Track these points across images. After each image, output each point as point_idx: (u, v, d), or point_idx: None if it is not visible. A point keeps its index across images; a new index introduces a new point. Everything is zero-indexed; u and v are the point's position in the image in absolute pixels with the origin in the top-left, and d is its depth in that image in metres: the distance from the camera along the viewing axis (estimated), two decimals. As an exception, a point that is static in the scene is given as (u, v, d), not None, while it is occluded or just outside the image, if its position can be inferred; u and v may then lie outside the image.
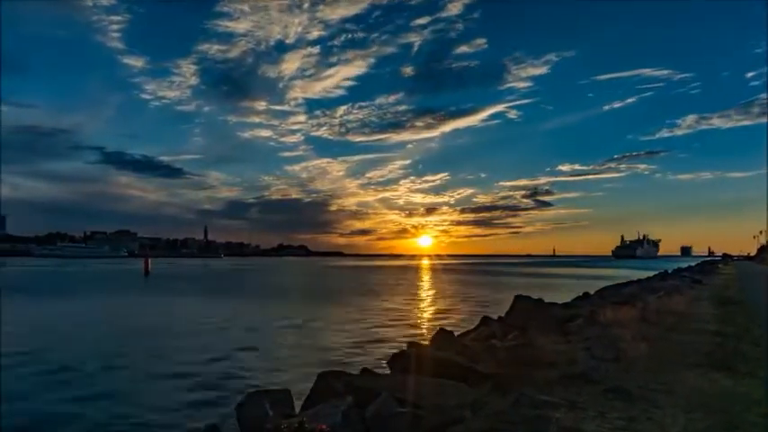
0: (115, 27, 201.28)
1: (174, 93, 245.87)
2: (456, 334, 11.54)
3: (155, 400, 10.75)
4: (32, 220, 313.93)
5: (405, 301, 33.55)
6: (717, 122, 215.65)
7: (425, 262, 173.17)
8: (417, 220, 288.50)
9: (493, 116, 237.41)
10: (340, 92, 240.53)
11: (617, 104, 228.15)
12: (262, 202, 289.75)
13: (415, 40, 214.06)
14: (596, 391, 5.76)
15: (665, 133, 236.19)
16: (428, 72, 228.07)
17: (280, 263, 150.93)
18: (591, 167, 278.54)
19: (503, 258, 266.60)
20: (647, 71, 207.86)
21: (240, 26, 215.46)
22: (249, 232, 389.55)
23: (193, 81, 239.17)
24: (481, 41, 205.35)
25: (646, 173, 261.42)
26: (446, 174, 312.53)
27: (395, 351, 9.43)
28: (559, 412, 4.78)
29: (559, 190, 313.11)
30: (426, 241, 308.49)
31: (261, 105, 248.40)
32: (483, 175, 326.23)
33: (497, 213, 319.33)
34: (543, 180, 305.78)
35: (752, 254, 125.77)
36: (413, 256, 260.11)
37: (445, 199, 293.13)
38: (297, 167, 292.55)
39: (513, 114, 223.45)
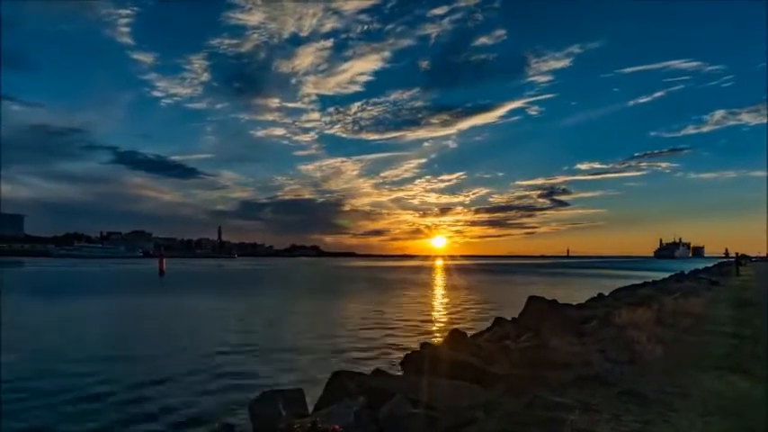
0: (124, 21, 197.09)
1: (185, 90, 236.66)
2: (469, 335, 11.52)
3: (168, 398, 10.85)
4: (49, 221, 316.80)
5: (417, 302, 33.50)
6: (745, 118, 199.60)
7: (439, 262, 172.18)
8: (431, 221, 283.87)
9: (512, 112, 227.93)
10: (355, 88, 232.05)
11: (643, 99, 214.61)
12: (275, 202, 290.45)
13: (433, 31, 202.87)
14: (611, 394, 5.72)
15: (690, 130, 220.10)
16: (445, 65, 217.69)
17: (293, 263, 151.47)
18: (610, 166, 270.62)
19: (516, 259, 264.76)
20: (675, 63, 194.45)
21: (252, 18, 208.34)
22: (263, 233, 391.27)
23: (205, 78, 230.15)
24: (501, 33, 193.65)
25: (667, 171, 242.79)
26: (462, 173, 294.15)
27: (407, 352, 9.44)
28: (573, 414, 4.75)
29: (577, 189, 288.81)
30: (440, 242, 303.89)
31: (274, 102, 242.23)
32: (500, 174, 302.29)
33: (512, 214, 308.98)
34: (561, 179, 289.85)
35: None
36: (426, 257, 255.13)
37: (460, 199, 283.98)
38: (310, 167, 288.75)
39: (532, 111, 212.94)
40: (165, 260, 74.13)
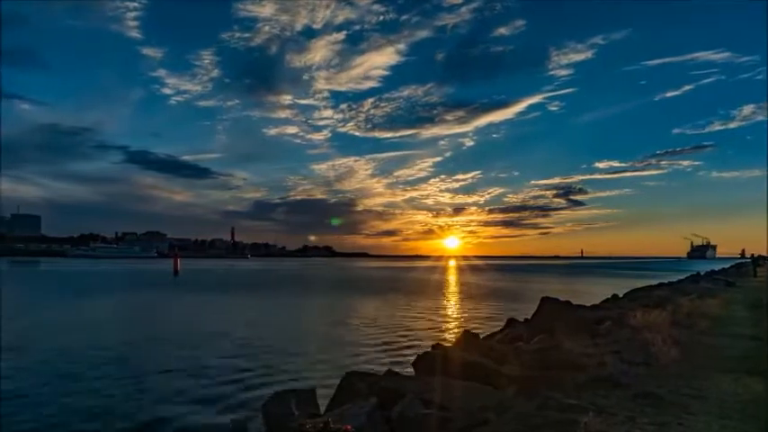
0: (132, 15, 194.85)
1: (195, 87, 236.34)
2: (481, 336, 11.47)
3: (182, 396, 10.95)
4: (65, 221, 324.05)
5: (429, 302, 33.44)
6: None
7: (452, 263, 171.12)
8: (444, 221, 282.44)
9: (530, 108, 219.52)
10: (368, 83, 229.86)
11: (671, 93, 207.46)
12: (287, 202, 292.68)
13: (450, 21, 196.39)
14: (626, 396, 5.65)
15: (716, 126, 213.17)
16: (462, 58, 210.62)
17: (306, 264, 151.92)
18: (629, 164, 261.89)
19: (529, 260, 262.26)
20: (704, 55, 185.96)
21: (264, 11, 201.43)
22: (275, 233, 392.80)
23: (215, 74, 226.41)
24: (520, 23, 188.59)
25: (688, 170, 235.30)
26: (478, 171, 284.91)
27: (419, 352, 9.43)
28: (587, 416, 4.70)
29: (594, 189, 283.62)
30: (453, 242, 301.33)
31: (286, 99, 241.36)
32: (516, 174, 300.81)
33: (526, 214, 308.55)
34: (578, 178, 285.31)
35: None
36: (439, 258, 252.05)
37: (474, 199, 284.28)
38: (323, 166, 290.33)
39: (551, 107, 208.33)
40: (179, 260, 74.84)
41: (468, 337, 10.35)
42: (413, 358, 8.87)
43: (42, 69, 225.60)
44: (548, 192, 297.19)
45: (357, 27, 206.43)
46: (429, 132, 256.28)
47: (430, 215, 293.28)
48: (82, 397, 10.96)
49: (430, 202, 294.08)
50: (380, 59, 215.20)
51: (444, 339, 17.51)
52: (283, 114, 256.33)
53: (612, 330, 10.43)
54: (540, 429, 4.47)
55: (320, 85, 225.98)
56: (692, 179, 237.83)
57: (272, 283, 58.06)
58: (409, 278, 69.04)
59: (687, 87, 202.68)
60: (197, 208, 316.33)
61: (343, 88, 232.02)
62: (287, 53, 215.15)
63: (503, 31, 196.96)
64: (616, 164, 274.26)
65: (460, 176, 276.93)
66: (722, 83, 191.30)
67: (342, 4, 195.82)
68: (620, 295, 22.35)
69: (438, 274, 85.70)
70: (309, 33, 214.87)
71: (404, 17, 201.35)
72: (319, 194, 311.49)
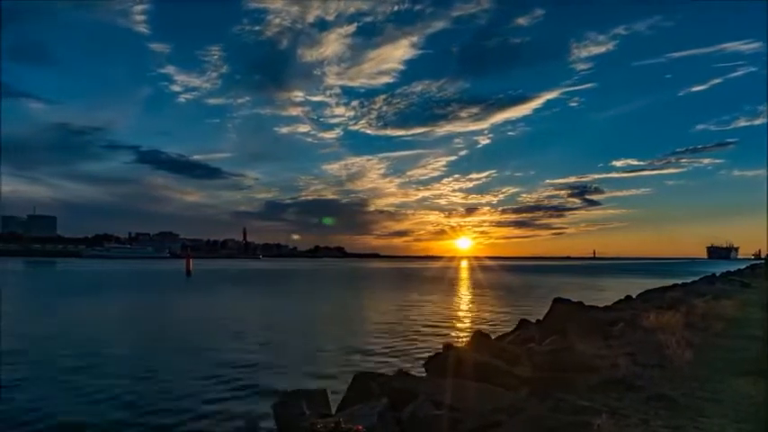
0: (139, 8, 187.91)
1: (204, 83, 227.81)
2: (493, 337, 11.42)
3: (194, 396, 11.04)
4: (80, 222, 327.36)
5: (441, 303, 33.37)
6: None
7: (464, 264, 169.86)
8: (456, 221, 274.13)
9: (547, 104, 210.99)
10: (382, 79, 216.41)
11: (697, 87, 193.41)
12: (298, 202, 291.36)
13: (467, 11, 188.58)
14: (639, 398, 5.60)
15: (741, 122, 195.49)
16: (478, 51, 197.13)
17: (318, 264, 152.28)
18: (648, 163, 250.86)
19: (540, 261, 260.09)
20: (733, 45, 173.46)
21: (274, 2, 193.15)
22: (287, 234, 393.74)
23: (224, 69, 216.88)
24: (539, 12, 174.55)
25: (709, 168, 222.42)
26: (493, 171, 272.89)
27: (431, 353, 9.41)
28: (600, 419, 4.66)
29: (610, 188, 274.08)
30: (465, 243, 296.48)
31: (297, 96, 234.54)
32: (531, 173, 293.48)
33: (539, 214, 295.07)
34: (594, 177, 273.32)
35: None
36: (451, 258, 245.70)
37: (487, 199, 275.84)
38: (335, 166, 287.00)
39: (570, 102, 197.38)
40: (191, 261, 75.40)
41: (479, 337, 10.31)
42: (424, 359, 8.86)
43: (51, 66, 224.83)
44: (562, 191, 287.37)
45: (371, 18, 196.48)
46: (443, 130, 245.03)
47: (442, 215, 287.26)
48: (98, 393, 11.09)
49: (443, 202, 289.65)
50: (395, 53, 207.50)
51: (456, 340, 17.47)
52: (294, 112, 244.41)
53: (626, 332, 10.34)
54: (552, 431, 4.45)
55: (331, 80, 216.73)
56: (713, 178, 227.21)
57: (283, 283, 58.25)
58: (421, 278, 68.95)
59: (715, 81, 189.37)
60: (209, 208, 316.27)
61: (355, 84, 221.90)
62: (298, 47, 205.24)
63: (521, 21, 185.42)
64: (634, 162, 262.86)
65: (474, 176, 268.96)
66: (752, 76, 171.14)
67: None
68: (633, 296, 22.17)
69: (450, 274, 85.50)
70: (321, 26, 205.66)
71: (418, 7, 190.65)
72: (331, 195, 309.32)
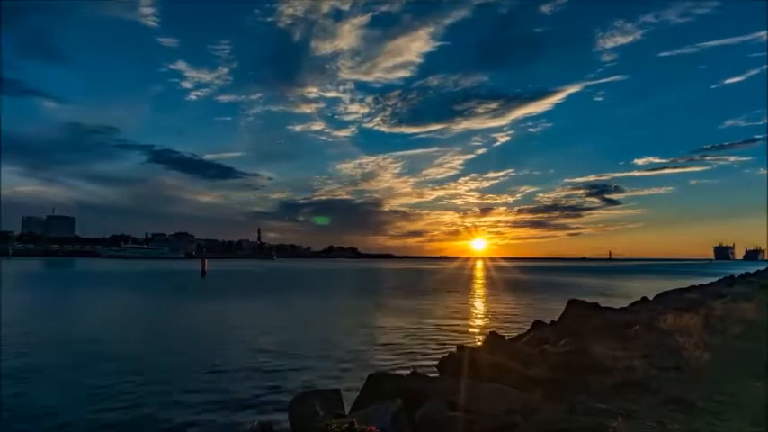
0: (147, 1, 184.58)
1: (215, 79, 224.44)
2: (507, 338, 11.38)
3: (209, 395, 11.13)
4: (97, 222, 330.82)
5: (455, 304, 33.26)
6: None
7: (479, 264, 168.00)
8: (471, 221, 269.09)
9: (569, 98, 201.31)
10: (398, 73, 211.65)
11: (733, 79, 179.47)
12: (312, 203, 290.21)
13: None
14: (656, 401, 5.55)
15: None
16: (499, 41, 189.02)
17: (332, 265, 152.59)
18: (670, 161, 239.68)
19: (555, 262, 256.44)
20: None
21: None
22: (300, 234, 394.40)
23: (235, 65, 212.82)
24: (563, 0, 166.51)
25: (734, 166, 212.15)
26: (511, 170, 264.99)
27: (444, 354, 9.40)
28: (616, 421, 4.63)
29: (630, 187, 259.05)
30: (479, 244, 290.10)
31: (310, 93, 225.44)
32: (551, 171, 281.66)
33: (556, 214, 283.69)
34: (614, 175, 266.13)
35: None
36: (466, 259, 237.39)
37: (504, 198, 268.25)
38: (349, 165, 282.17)
39: (595, 97, 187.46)
40: (206, 261, 76.15)
41: (493, 338, 10.28)
42: (438, 359, 8.86)
43: (62, 62, 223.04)
44: (580, 191, 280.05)
45: (387, 7, 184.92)
46: (460, 127, 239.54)
47: (457, 216, 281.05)
48: (110, 391, 11.24)
49: (458, 202, 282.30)
50: (412, 45, 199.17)
51: (469, 341, 17.41)
52: (308, 110, 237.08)
53: (642, 334, 10.24)
54: (567, 433, 4.43)
55: (345, 75, 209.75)
56: (738, 176, 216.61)
57: (297, 284, 58.51)
58: (435, 279, 68.83)
59: (752, 72, 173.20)
60: (223, 209, 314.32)
61: (369, 78, 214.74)
62: (311, 39, 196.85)
63: (545, 9, 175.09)
64: (656, 160, 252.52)
65: (492, 175, 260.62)
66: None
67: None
68: (650, 298, 21.93)
69: (465, 275, 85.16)
70: (336, 16, 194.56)
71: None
72: (344, 195, 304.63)
